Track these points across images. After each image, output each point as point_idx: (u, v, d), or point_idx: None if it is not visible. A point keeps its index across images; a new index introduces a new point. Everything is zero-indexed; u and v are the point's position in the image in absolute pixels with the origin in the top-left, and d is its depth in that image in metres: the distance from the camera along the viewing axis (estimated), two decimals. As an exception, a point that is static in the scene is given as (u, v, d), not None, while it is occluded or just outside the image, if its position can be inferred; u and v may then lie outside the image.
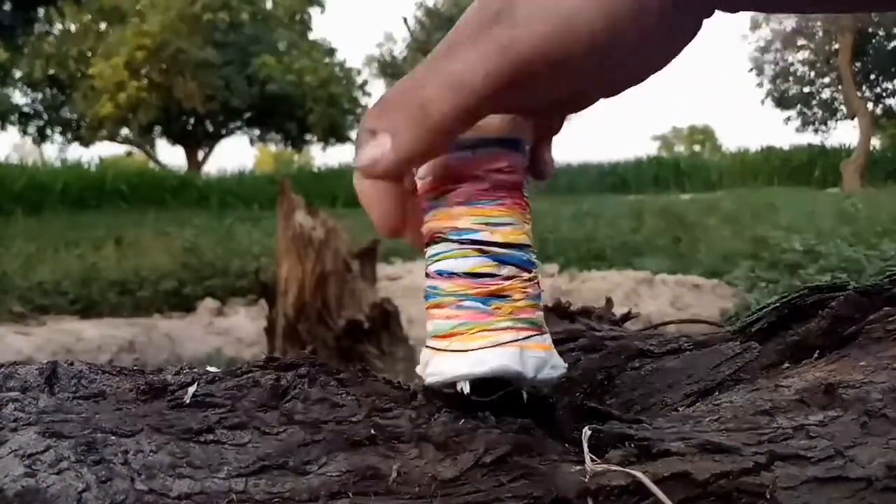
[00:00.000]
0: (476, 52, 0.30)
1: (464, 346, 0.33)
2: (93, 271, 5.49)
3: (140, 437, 0.30)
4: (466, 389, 0.33)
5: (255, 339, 4.12)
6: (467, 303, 0.33)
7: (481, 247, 0.34)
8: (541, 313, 0.35)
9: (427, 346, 0.35)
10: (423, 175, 0.35)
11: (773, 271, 4.89)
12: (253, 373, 0.35)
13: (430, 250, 0.35)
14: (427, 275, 0.35)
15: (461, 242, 0.34)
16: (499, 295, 0.33)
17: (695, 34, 0.34)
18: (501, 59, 0.30)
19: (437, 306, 0.34)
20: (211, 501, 0.28)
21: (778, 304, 0.46)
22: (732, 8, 0.33)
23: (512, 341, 0.33)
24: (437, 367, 0.34)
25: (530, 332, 0.34)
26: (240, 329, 4.56)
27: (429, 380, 0.34)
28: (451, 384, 0.33)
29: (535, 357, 0.34)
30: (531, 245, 0.35)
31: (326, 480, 0.29)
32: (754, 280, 4.83)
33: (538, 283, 0.35)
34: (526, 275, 0.34)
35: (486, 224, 0.34)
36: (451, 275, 0.34)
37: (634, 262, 5.80)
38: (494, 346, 0.33)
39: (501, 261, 0.34)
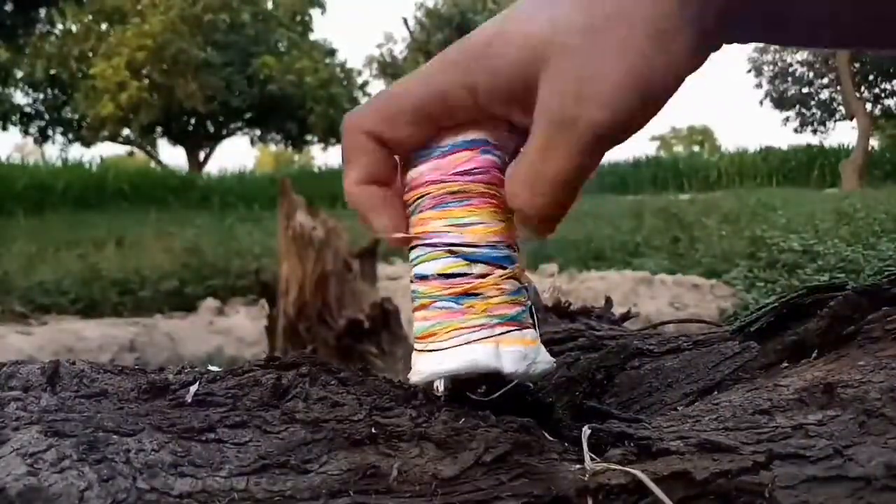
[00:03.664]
0: (566, 150, 0.32)
1: (439, 346, 0.34)
2: (94, 271, 5.48)
3: (142, 435, 0.30)
4: (441, 388, 0.34)
5: (255, 339, 4.11)
6: (440, 303, 0.34)
7: (451, 248, 0.34)
8: (521, 308, 0.35)
9: (414, 348, 0.36)
10: (405, 184, 0.36)
11: (771, 271, 4.89)
12: (254, 372, 0.35)
13: (411, 255, 0.36)
14: (411, 280, 0.36)
15: (433, 245, 0.34)
16: (471, 293, 0.34)
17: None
18: (590, 146, 0.32)
19: (418, 308, 0.35)
20: (212, 500, 0.28)
21: (776, 304, 0.47)
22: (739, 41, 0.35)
23: (486, 338, 0.34)
24: (417, 366, 0.35)
25: (507, 328, 0.34)
26: (241, 329, 4.56)
27: (412, 379, 0.35)
28: (432, 383, 0.34)
29: (512, 352, 0.34)
30: (507, 241, 0.35)
31: (327, 479, 0.29)
32: (753, 280, 4.83)
33: (518, 278, 0.35)
34: (500, 271, 0.35)
35: (455, 226, 0.34)
36: (426, 277, 0.35)
37: (633, 262, 5.79)
38: (468, 343, 0.34)
39: (472, 259, 0.34)
